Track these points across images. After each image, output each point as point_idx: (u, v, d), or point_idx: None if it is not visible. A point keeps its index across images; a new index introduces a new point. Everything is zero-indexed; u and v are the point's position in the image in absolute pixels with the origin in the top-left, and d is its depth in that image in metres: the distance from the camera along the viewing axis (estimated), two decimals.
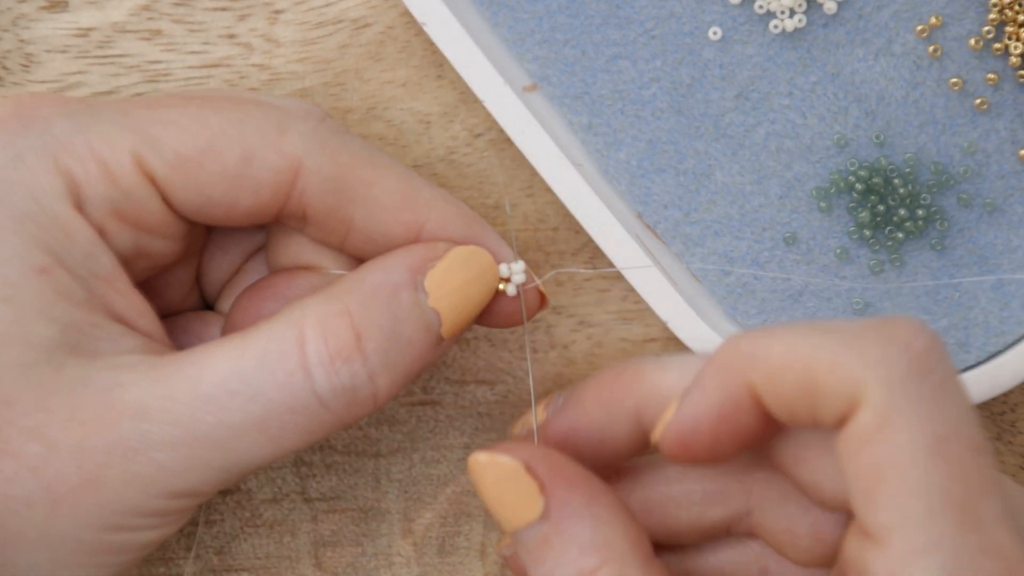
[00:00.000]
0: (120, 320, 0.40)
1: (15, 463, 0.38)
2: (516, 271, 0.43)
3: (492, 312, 0.44)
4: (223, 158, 0.40)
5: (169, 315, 0.45)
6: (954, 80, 0.47)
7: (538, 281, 0.43)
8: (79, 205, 0.40)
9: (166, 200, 0.41)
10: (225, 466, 0.39)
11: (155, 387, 0.39)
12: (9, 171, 0.39)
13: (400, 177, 0.42)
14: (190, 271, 0.45)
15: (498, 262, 0.43)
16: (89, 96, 0.49)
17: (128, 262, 0.41)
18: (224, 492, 0.50)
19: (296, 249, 0.44)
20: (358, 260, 0.44)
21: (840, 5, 0.47)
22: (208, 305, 0.47)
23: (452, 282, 0.41)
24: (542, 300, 0.44)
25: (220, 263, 0.46)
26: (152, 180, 0.40)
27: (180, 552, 0.50)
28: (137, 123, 0.40)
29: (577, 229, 0.49)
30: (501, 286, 0.43)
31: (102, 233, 0.40)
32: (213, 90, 0.42)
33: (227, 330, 0.44)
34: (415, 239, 0.42)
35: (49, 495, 0.38)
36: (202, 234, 0.45)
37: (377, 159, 0.42)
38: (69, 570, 0.39)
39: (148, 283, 0.43)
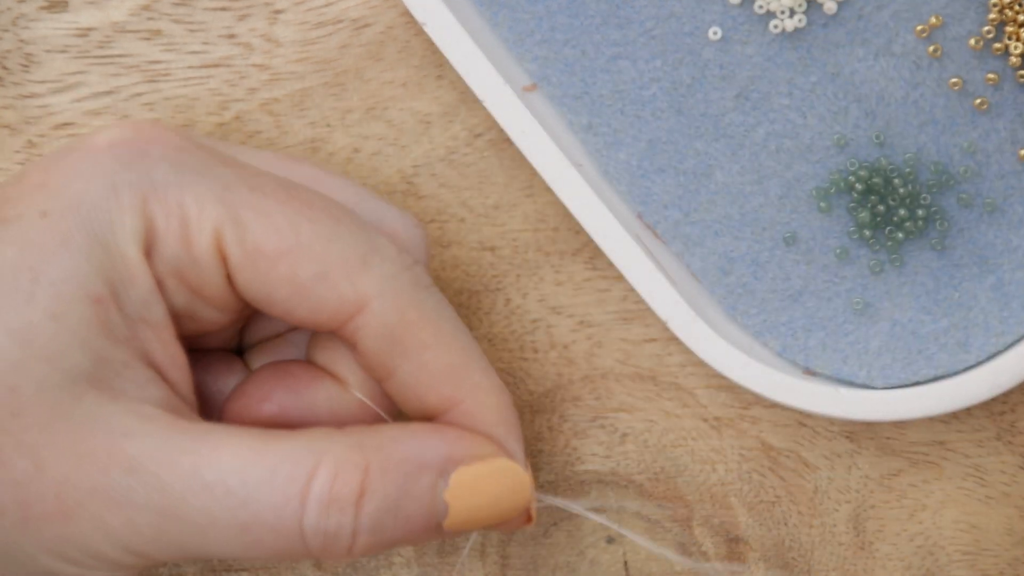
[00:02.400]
0: (153, 367, 0.40)
1: (1, 472, 0.39)
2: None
3: None
4: (298, 268, 0.40)
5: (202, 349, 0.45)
6: (954, 80, 0.47)
7: (542, 500, 0.43)
8: (149, 253, 0.40)
9: (230, 280, 0.41)
10: (191, 547, 0.39)
11: (160, 450, 0.39)
12: (100, 198, 0.40)
13: (458, 351, 0.42)
14: (235, 332, 0.46)
15: None
16: (88, 96, 0.49)
17: (178, 318, 0.41)
18: None
19: (336, 354, 0.44)
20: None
21: (840, 5, 0.47)
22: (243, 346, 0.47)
23: (479, 491, 0.41)
24: (528, 519, 0.43)
25: (264, 327, 0.46)
26: (224, 259, 0.40)
27: None
28: (232, 200, 0.40)
29: (577, 229, 0.49)
30: None
31: (160, 286, 0.40)
32: (322, 196, 0.42)
33: (238, 394, 0.44)
34: (445, 409, 0.42)
35: (21, 511, 0.39)
36: None
37: (443, 326, 0.42)
38: None
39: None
